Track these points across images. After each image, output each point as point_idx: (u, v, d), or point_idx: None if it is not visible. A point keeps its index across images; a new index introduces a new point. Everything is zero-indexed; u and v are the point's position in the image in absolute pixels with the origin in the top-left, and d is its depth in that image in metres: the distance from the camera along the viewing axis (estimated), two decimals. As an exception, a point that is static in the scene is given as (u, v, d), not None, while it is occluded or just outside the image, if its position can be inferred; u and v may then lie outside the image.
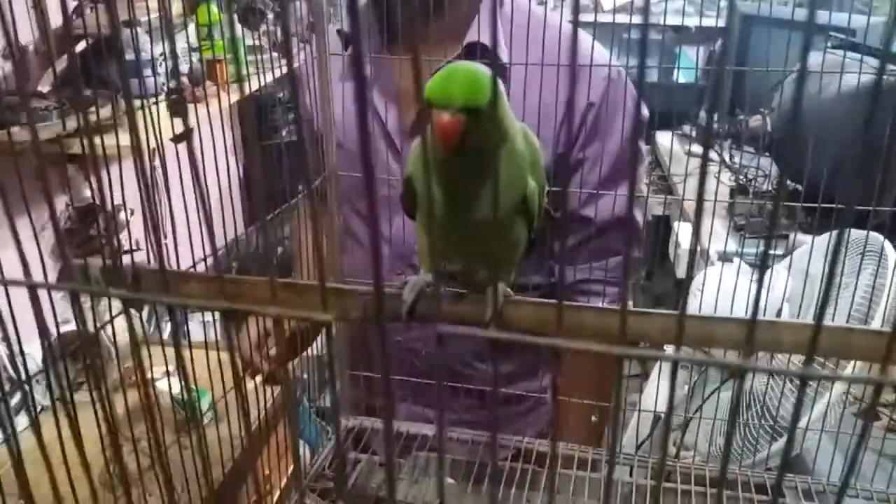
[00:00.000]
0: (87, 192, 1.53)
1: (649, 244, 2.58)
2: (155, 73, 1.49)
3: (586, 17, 3.12)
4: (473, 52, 1.05)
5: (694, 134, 2.47)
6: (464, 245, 0.66)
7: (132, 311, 0.86)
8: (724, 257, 1.64)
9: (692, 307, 1.16)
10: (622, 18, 3.12)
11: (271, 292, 0.36)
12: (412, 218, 0.74)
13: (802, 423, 0.99)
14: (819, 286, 1.12)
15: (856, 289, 1.04)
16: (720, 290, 1.18)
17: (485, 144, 0.60)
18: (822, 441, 1.02)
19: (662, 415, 1.19)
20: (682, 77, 3.05)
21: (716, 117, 2.57)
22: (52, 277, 1.51)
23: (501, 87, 0.65)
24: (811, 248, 1.14)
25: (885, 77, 1.67)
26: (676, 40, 3.11)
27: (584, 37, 1.06)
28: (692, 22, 3.02)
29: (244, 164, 2.23)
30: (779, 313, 1.11)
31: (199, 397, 1.15)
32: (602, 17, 3.06)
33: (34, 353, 1.29)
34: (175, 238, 0.97)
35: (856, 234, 1.10)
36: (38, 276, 0.42)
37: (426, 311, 0.64)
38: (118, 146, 1.47)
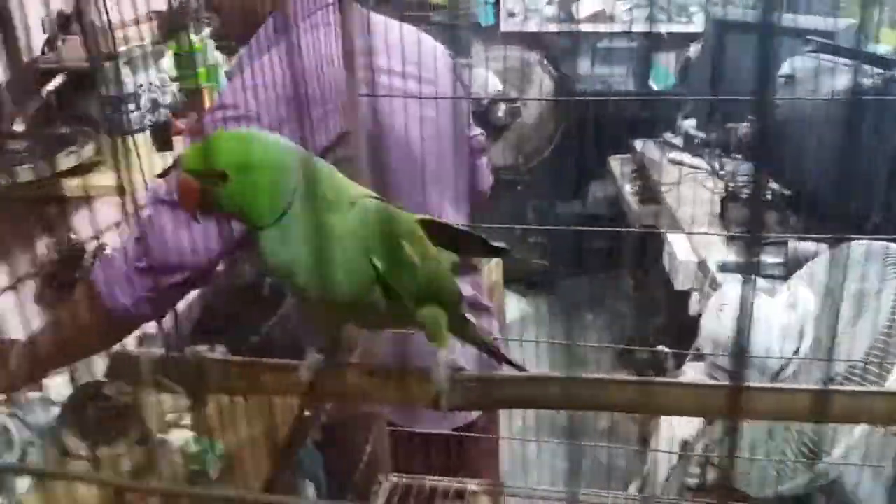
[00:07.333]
0: (69, 234, 1.46)
1: (635, 255, 2.57)
2: (138, 107, 1.43)
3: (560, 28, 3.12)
4: None
5: (676, 142, 2.47)
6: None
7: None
8: (724, 268, 1.63)
9: (711, 327, 1.15)
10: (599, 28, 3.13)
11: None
12: None
13: (839, 449, 0.97)
14: (838, 302, 1.11)
15: (880, 301, 1.03)
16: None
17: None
18: (863, 469, 1.00)
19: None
20: (657, 84, 3.06)
21: (694, 124, 2.58)
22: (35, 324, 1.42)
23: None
24: (829, 262, 1.13)
25: (866, 80, 1.67)
26: (648, 47, 3.12)
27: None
28: (663, 28, 3.04)
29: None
30: (801, 333, 1.09)
31: (211, 448, 1.09)
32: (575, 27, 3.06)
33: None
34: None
35: (878, 245, 1.09)
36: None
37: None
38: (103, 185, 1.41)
